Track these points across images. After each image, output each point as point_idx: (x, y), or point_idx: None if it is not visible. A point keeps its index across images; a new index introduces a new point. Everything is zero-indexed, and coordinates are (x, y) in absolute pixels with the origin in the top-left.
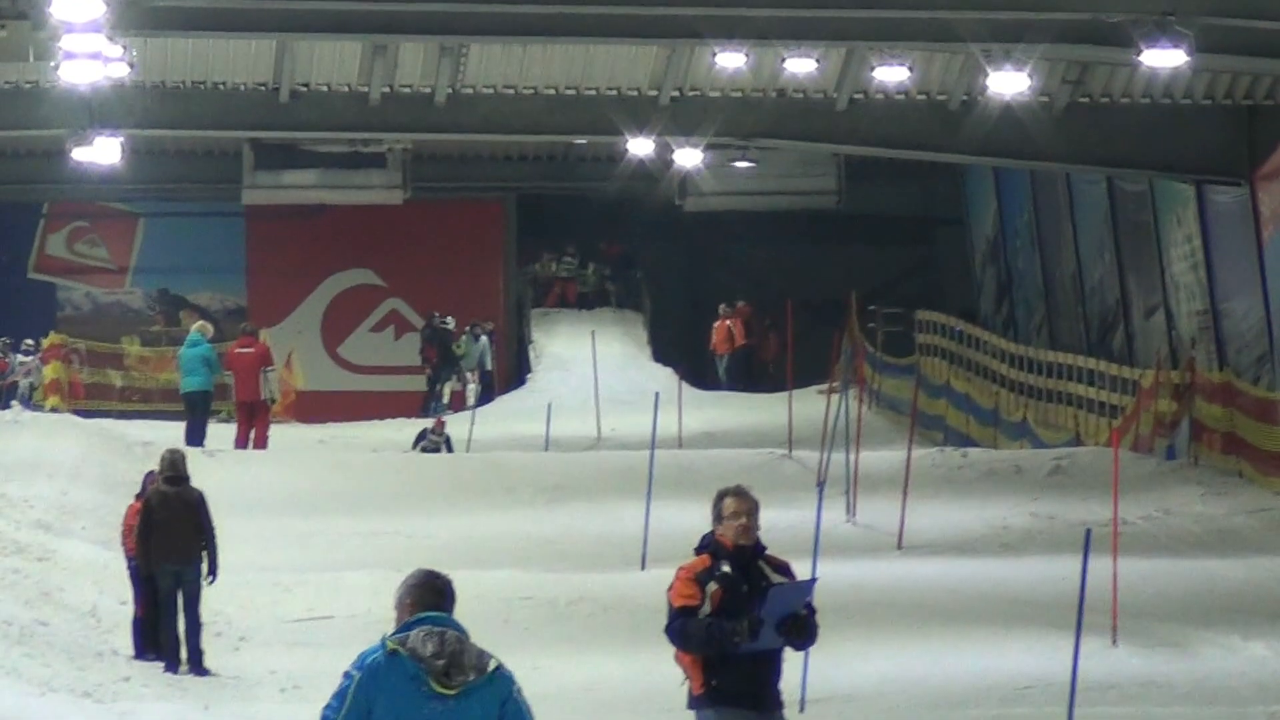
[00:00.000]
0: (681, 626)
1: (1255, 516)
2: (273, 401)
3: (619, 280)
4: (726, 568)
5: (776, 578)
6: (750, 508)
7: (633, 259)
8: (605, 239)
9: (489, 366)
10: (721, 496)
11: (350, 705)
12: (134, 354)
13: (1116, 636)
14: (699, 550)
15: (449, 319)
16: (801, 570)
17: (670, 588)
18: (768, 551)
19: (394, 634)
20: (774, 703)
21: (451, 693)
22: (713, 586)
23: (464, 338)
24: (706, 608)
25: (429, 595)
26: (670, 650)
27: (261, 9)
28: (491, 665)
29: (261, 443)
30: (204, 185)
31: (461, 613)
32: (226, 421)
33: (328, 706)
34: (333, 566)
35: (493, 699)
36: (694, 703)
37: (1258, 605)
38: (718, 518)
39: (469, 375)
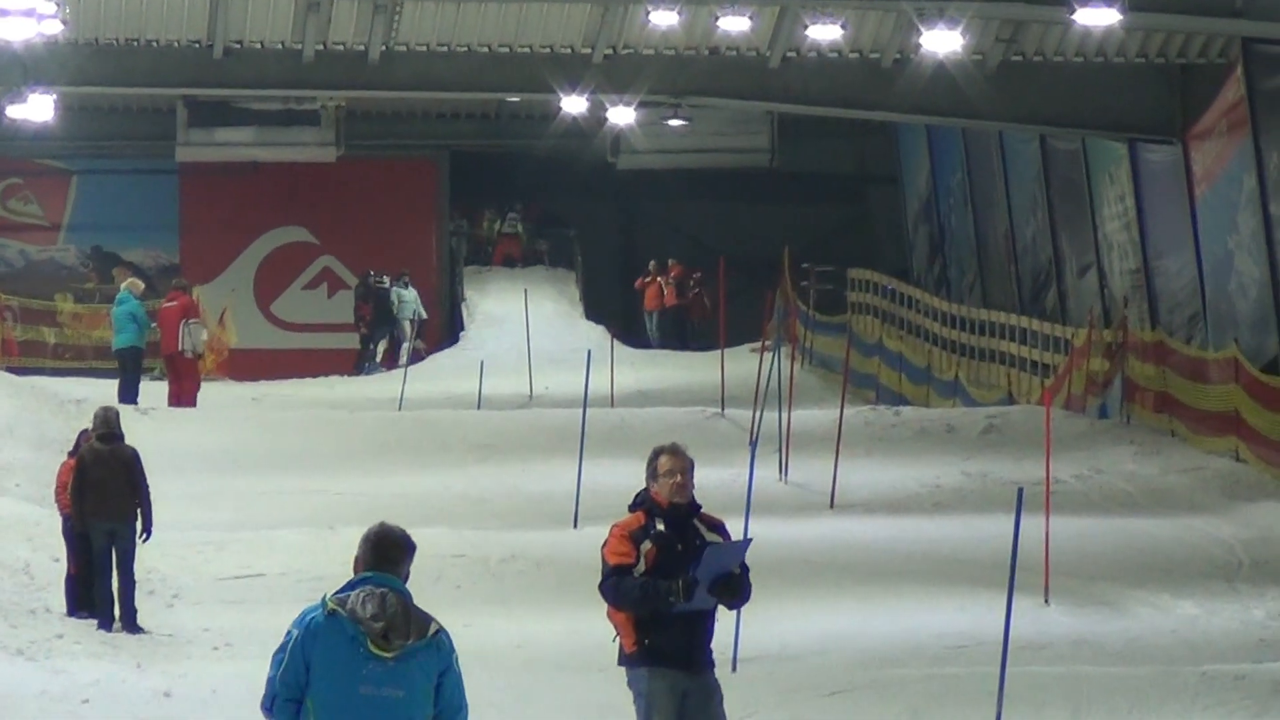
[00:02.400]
0: (616, 585)
1: (1187, 475)
2: (195, 355)
3: (551, 238)
4: (661, 526)
5: (711, 536)
6: (685, 466)
7: (565, 217)
8: (538, 197)
9: (424, 315)
10: (656, 454)
11: (288, 662)
12: (67, 311)
13: (1048, 595)
14: (633, 507)
15: (384, 277)
16: (735, 529)
17: (604, 545)
18: (703, 510)
19: (335, 593)
20: (705, 662)
21: (390, 655)
22: (647, 545)
23: (395, 289)
24: (641, 566)
25: (375, 555)
26: (603, 608)
27: None
28: (432, 629)
29: (187, 399)
30: (138, 142)
31: None
32: (160, 379)
33: (274, 659)
34: (265, 524)
35: (432, 665)
36: (625, 660)
37: (1189, 564)
38: (652, 475)
39: (407, 327)
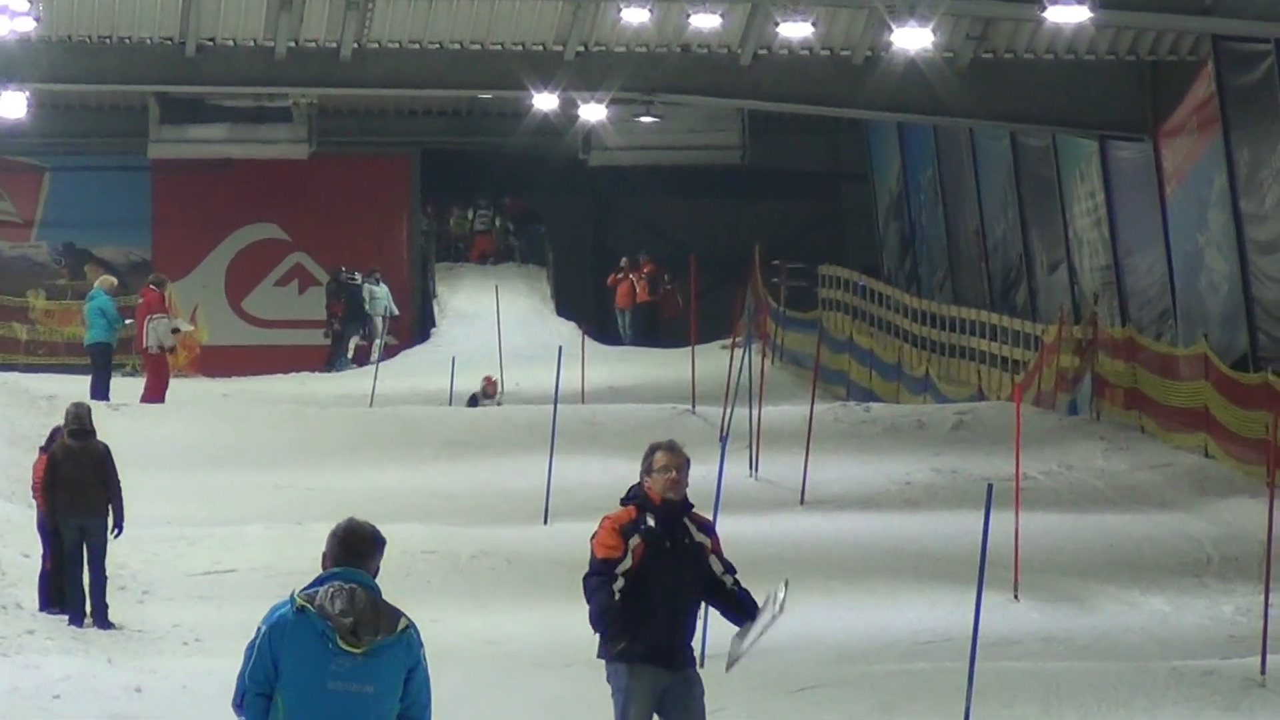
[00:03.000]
0: (596, 589)
1: (1156, 471)
2: (161, 350)
3: (523, 235)
4: (651, 521)
5: (699, 537)
6: (681, 463)
7: (537, 214)
8: (510, 194)
9: (395, 311)
10: (653, 450)
11: (257, 658)
12: (39, 307)
13: (1018, 591)
14: (625, 501)
15: (356, 274)
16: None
17: (594, 536)
18: (694, 509)
19: (304, 589)
20: (685, 660)
21: (359, 651)
22: (635, 540)
23: (366, 285)
24: (628, 561)
25: (344, 550)
26: (573, 603)
27: None
28: (401, 624)
29: (152, 394)
30: (110, 139)
31: None
32: (132, 375)
33: (246, 655)
34: (236, 520)
35: (401, 661)
36: (605, 654)
37: (1158, 560)
38: (647, 470)
39: (378, 323)
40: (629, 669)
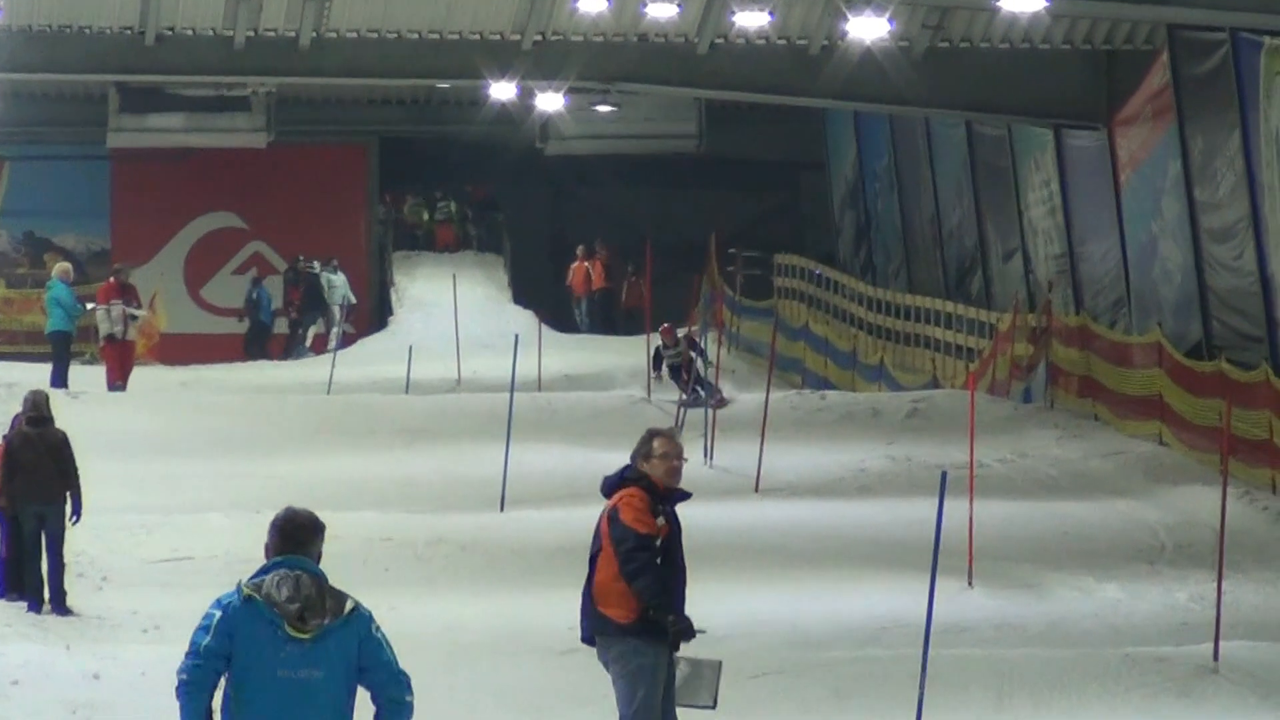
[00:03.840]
0: (648, 562)
1: (1110, 459)
2: (111, 339)
3: (480, 224)
4: (663, 506)
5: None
6: (680, 451)
7: (494, 202)
8: (468, 182)
9: (353, 300)
10: (652, 436)
11: (215, 634)
12: None
13: (972, 578)
14: (627, 482)
15: (315, 262)
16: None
17: (622, 512)
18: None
19: (250, 579)
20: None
21: (307, 636)
22: (660, 520)
23: (324, 274)
24: (658, 539)
25: (284, 539)
26: (531, 591)
27: None
28: (348, 606)
29: (112, 377)
30: (70, 128)
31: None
32: (91, 363)
33: (194, 636)
34: (194, 508)
35: (350, 639)
36: (618, 631)
37: (1111, 548)
38: (646, 455)
39: (336, 312)
40: (656, 649)
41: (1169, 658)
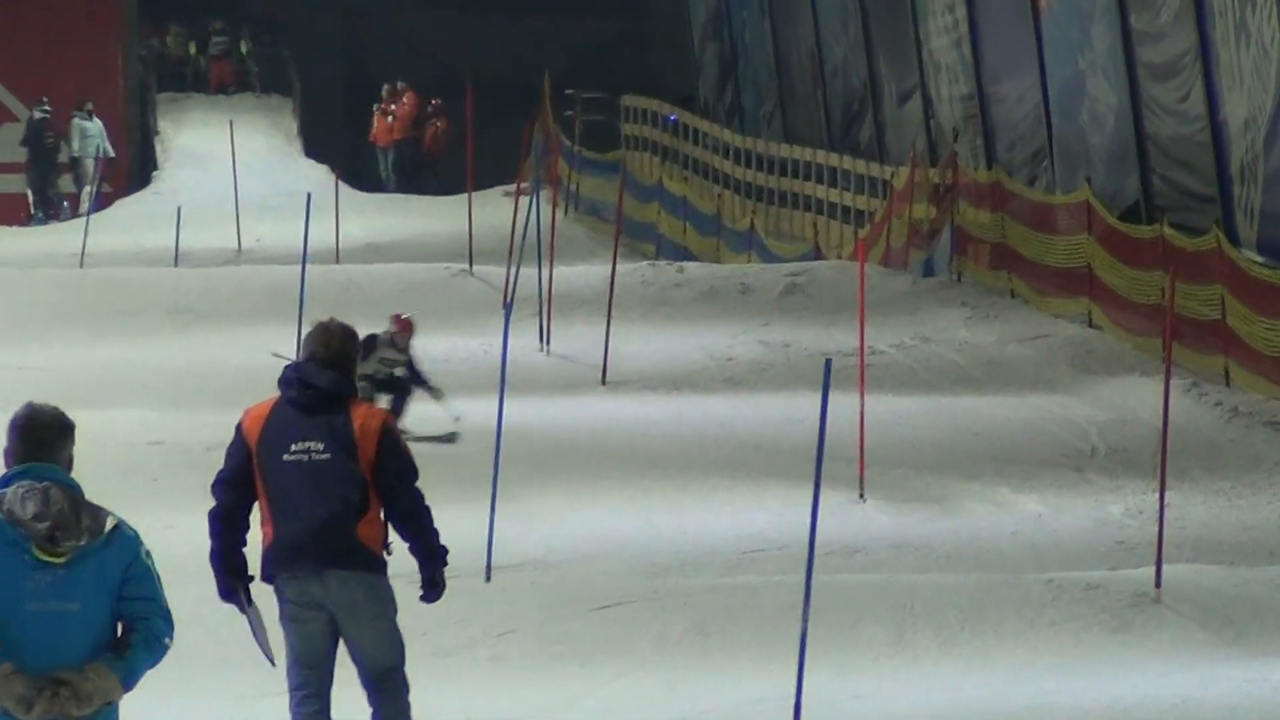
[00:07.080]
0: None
1: (1029, 344)
2: None
3: (262, 59)
4: None
5: None
6: None
7: (281, 29)
8: (245, 8)
9: (111, 153)
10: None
11: None
12: None
13: (864, 490)
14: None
15: (45, 104)
16: (489, 409)
17: (400, 442)
18: None
19: None
20: None
21: (60, 560)
22: None
23: (76, 121)
24: None
25: (25, 442)
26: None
27: None
28: (109, 525)
29: None
30: None
31: (78, 460)
32: None
33: None
34: None
35: (113, 565)
36: (382, 565)
37: (1031, 452)
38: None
39: (90, 166)
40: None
41: (1102, 584)
